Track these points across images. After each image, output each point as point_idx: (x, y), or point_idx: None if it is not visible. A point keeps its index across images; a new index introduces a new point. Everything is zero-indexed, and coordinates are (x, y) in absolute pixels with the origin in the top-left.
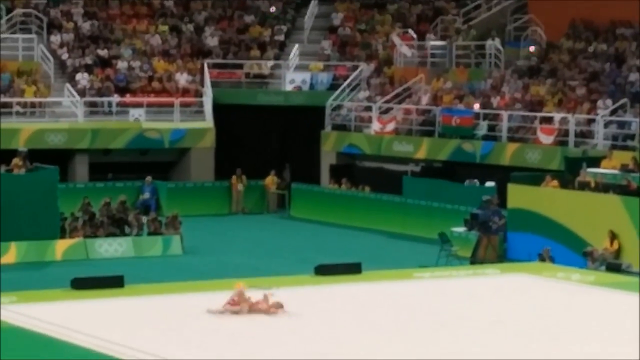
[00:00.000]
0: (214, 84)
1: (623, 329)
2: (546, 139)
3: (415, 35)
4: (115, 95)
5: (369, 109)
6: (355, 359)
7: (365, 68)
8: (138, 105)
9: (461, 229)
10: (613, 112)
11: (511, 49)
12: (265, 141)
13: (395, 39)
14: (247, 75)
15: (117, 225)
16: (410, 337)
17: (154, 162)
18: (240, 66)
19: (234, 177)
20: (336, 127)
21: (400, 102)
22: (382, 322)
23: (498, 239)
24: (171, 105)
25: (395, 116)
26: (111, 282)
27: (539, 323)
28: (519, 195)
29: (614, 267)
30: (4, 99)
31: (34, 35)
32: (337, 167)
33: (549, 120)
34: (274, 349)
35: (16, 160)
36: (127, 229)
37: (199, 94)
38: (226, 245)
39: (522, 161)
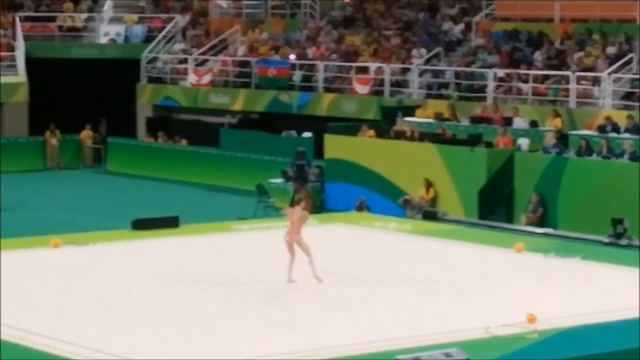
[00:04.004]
0: (26, 38)
1: (437, 277)
2: (362, 88)
3: None
4: None
5: (184, 61)
6: (167, 311)
7: (181, 20)
8: None
9: (278, 180)
10: (427, 61)
11: (326, 0)
12: (81, 95)
13: None
14: (61, 28)
15: None
16: (228, 289)
17: None
18: (53, 19)
19: (47, 132)
20: (152, 80)
21: (216, 54)
22: (199, 275)
23: (310, 189)
24: None
25: (211, 68)
26: None
27: (356, 271)
28: (335, 146)
29: (430, 215)
30: None
31: None
32: (154, 120)
33: (364, 70)
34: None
35: None
36: None
37: (10, 48)
38: (42, 201)
39: (339, 111)
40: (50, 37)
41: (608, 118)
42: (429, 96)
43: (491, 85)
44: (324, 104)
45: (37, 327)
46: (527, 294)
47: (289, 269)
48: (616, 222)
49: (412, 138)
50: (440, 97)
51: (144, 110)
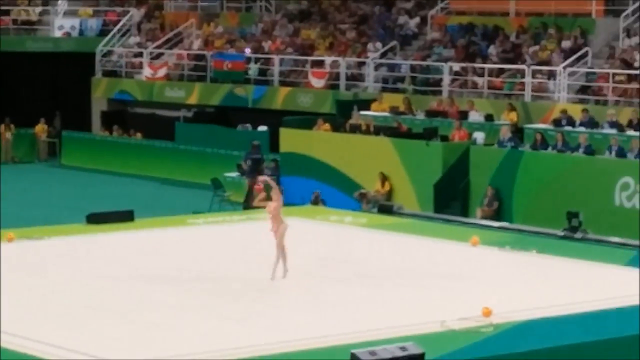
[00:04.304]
0: None
1: (393, 271)
2: (317, 82)
3: None
4: None
5: (139, 54)
6: (125, 307)
7: (136, 13)
8: None
9: (234, 174)
10: (383, 55)
11: None
12: (35, 88)
13: None
14: (15, 21)
15: None
16: (184, 283)
17: None
18: (7, 12)
19: (2, 125)
20: (107, 74)
21: (171, 48)
22: (155, 270)
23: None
24: None
25: (166, 62)
26: None
27: (312, 265)
28: (291, 139)
29: (386, 208)
30: None
31: None
32: (109, 113)
33: (320, 63)
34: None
35: None
36: None
37: None
38: None
39: (294, 105)
40: (5, 31)
41: (563, 112)
42: (384, 90)
43: (447, 79)
44: (279, 98)
45: None
46: (483, 288)
47: (275, 265)
48: (571, 215)
49: (367, 132)
50: (395, 90)
51: (98, 104)
